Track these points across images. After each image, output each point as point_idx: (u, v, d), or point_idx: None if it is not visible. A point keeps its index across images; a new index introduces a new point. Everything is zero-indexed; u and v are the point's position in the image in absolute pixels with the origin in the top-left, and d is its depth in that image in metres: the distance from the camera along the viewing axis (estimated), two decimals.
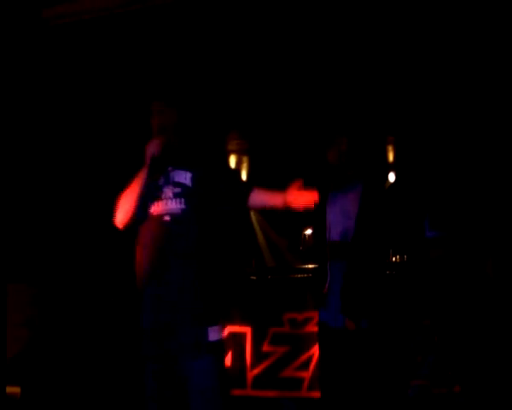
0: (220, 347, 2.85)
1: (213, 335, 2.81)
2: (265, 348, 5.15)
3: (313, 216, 3.91)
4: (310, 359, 5.05)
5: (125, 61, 6.27)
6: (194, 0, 6.13)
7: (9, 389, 5.28)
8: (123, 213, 2.94)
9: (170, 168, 2.98)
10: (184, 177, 2.95)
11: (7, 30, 5.94)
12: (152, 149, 2.91)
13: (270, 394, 5.04)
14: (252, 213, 8.63)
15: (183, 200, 2.91)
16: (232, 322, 5.21)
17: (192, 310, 2.79)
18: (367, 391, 3.61)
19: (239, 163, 8.26)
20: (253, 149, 8.06)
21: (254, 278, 5.54)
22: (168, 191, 2.94)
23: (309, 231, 7.33)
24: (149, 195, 2.94)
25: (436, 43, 6.01)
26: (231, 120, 7.32)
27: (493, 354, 4.33)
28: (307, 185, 2.88)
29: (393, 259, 5.55)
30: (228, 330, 5.16)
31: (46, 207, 6.24)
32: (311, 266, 5.50)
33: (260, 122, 7.33)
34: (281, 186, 2.93)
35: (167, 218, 2.89)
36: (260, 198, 2.96)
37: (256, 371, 5.11)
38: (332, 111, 6.60)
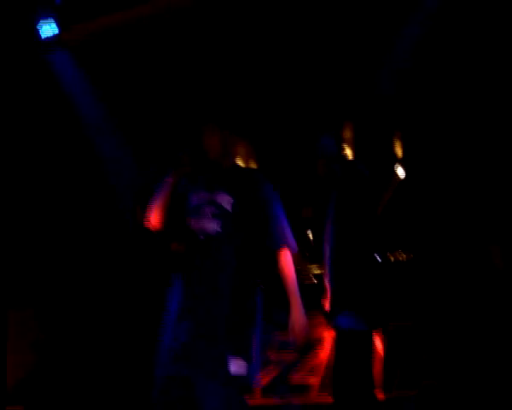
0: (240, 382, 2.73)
1: (236, 367, 2.73)
2: (273, 354, 5.12)
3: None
4: (318, 364, 5.02)
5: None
6: (202, 13, 6.18)
7: None
8: (154, 216, 2.94)
9: (215, 189, 2.96)
10: (226, 201, 2.93)
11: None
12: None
13: (279, 401, 5.01)
14: None
15: (220, 222, 2.89)
16: None
17: (217, 338, 2.75)
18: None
19: None
20: (260, 162, 8.04)
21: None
22: (208, 210, 2.92)
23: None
24: (190, 209, 2.95)
25: (442, 39, 5.95)
26: (238, 131, 7.31)
27: (501, 352, 4.24)
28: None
29: (400, 258, 5.46)
30: None
31: (53, 233, 6.26)
32: (317, 271, 5.43)
33: (267, 134, 7.30)
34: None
35: (201, 237, 2.88)
36: (282, 269, 2.92)
37: (264, 378, 5.08)
38: (339, 120, 6.58)
